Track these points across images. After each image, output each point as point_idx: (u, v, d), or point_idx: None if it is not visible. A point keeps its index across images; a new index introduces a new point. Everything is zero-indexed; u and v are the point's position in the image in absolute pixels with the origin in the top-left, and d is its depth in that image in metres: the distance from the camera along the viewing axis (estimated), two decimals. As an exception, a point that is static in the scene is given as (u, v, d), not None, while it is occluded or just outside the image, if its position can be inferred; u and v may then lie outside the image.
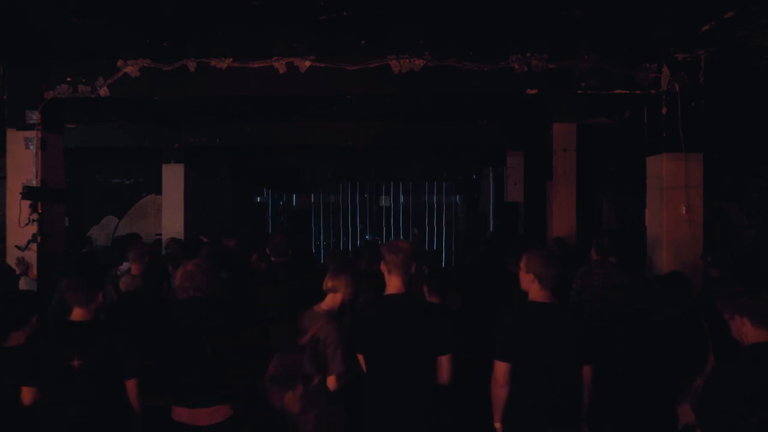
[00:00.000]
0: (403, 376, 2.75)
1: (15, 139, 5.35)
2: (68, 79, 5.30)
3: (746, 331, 2.48)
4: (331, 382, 3.15)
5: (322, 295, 3.78)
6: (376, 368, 2.82)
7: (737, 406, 2.36)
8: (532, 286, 2.96)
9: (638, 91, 5.18)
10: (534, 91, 5.19)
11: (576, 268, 5.10)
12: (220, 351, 3.13)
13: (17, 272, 5.10)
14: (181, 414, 3.09)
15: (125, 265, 4.99)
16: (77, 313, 2.88)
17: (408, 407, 2.75)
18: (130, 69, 5.25)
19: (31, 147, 5.30)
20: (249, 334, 3.28)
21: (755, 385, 2.36)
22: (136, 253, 4.58)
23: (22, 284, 4.95)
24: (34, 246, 5.21)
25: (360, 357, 2.90)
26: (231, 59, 5.22)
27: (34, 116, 5.30)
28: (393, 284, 2.84)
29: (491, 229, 11.80)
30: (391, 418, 2.76)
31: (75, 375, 2.75)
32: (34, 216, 5.20)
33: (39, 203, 5.23)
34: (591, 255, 5.13)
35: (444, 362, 2.77)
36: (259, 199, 14.94)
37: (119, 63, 5.25)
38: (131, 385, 2.90)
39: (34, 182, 5.27)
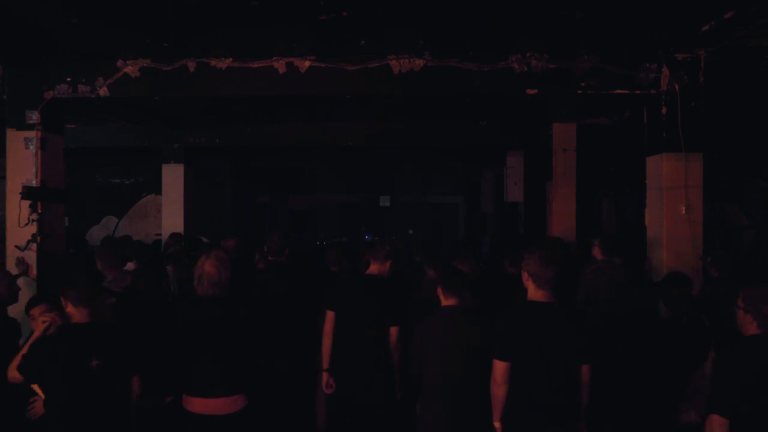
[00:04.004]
0: (360, 332, 3.85)
1: (15, 139, 5.34)
2: (68, 79, 5.30)
3: (750, 329, 2.70)
4: None
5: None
6: (342, 323, 3.94)
7: (751, 383, 2.54)
8: (528, 285, 2.99)
9: (638, 91, 5.17)
10: (534, 91, 5.19)
11: (584, 268, 5.09)
12: (222, 349, 3.14)
13: (17, 272, 5.09)
14: (195, 404, 3.10)
15: (129, 265, 4.99)
16: (80, 315, 2.89)
17: (362, 355, 3.84)
18: (130, 69, 5.25)
19: (31, 147, 5.30)
20: (249, 332, 3.29)
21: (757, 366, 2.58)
22: (106, 261, 4.46)
23: (22, 284, 4.94)
24: (34, 246, 5.21)
25: (329, 312, 3.97)
26: (231, 59, 5.22)
27: (34, 116, 5.30)
28: (372, 268, 4.04)
29: (491, 229, 11.79)
30: (348, 361, 3.91)
31: (87, 376, 2.77)
32: (34, 216, 5.20)
33: (39, 203, 5.23)
34: (596, 255, 5.11)
35: (392, 332, 3.80)
36: (259, 199, 14.93)
37: (119, 63, 5.25)
38: (134, 380, 2.97)
39: (34, 182, 5.27)
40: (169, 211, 8.81)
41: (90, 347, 2.81)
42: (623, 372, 3.82)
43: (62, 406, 2.79)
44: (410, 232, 16.07)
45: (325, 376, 4.05)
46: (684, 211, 5.04)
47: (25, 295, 4.91)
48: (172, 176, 8.81)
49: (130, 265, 4.99)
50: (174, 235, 7.42)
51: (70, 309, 2.89)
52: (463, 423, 3.29)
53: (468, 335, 3.34)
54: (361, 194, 16.23)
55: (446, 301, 3.49)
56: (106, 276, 4.41)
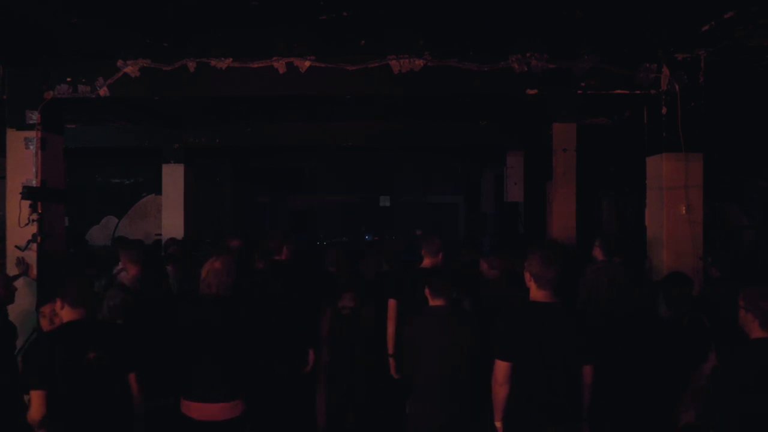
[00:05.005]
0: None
1: (15, 139, 5.34)
2: (68, 79, 5.30)
3: (753, 328, 2.73)
4: None
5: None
6: (404, 304, 4.30)
7: (747, 386, 2.56)
8: (531, 286, 2.99)
9: (638, 91, 5.17)
10: (534, 91, 5.19)
11: (585, 268, 5.09)
12: (222, 349, 3.15)
13: (17, 272, 5.10)
14: (193, 409, 3.09)
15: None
16: (75, 313, 2.90)
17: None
18: (130, 69, 5.25)
19: (31, 147, 5.30)
20: (249, 333, 3.29)
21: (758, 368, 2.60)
22: (128, 256, 4.57)
23: (22, 284, 4.95)
24: (34, 246, 5.20)
25: (391, 301, 4.39)
26: (231, 59, 5.22)
27: (34, 116, 5.30)
28: (425, 262, 4.51)
29: (491, 229, 11.79)
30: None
31: (85, 372, 2.77)
32: (34, 216, 5.19)
33: (39, 203, 5.23)
34: (596, 255, 5.11)
35: None
36: (259, 199, 14.93)
37: (119, 63, 5.25)
38: (132, 378, 2.95)
39: (34, 182, 5.27)
40: (169, 211, 8.81)
41: (87, 342, 2.81)
42: (623, 372, 3.82)
43: (62, 404, 2.79)
44: (418, 233, 15.95)
45: (392, 361, 4.34)
46: (684, 211, 5.04)
47: (25, 295, 4.93)
48: (172, 176, 8.81)
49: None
50: (173, 239, 7.43)
51: (65, 309, 2.89)
52: (460, 422, 3.30)
53: (464, 335, 3.37)
54: (361, 194, 16.22)
55: (434, 302, 3.53)
56: (129, 271, 4.48)
